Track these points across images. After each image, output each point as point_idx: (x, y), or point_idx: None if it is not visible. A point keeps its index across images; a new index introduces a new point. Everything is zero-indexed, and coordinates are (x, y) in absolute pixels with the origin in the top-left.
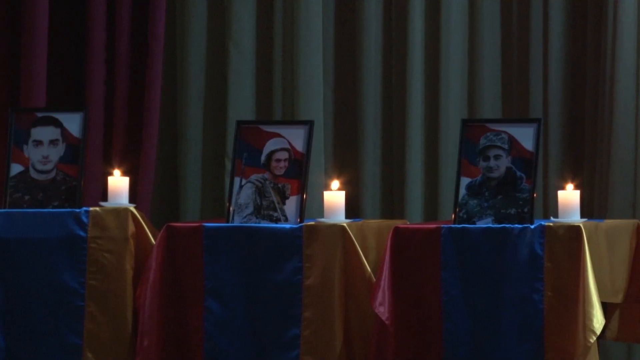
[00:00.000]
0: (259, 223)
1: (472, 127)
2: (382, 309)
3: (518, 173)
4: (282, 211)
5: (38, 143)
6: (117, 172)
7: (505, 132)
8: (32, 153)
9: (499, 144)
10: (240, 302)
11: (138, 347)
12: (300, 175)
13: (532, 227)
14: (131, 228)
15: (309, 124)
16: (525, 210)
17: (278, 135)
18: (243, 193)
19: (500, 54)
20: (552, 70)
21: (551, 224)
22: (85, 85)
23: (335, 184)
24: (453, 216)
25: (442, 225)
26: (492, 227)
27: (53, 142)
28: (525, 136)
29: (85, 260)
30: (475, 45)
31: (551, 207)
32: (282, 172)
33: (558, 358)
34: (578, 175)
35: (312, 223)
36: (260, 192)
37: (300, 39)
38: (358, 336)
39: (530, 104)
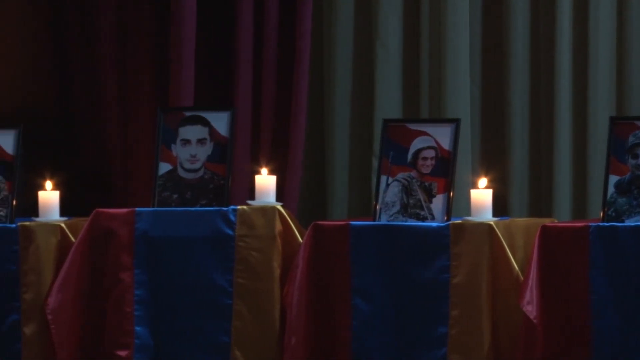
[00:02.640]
0: (405, 221)
1: (620, 124)
2: (530, 308)
3: None
4: (429, 209)
5: (186, 142)
6: (264, 170)
7: None
8: (180, 152)
9: None
10: (386, 300)
11: (285, 345)
12: (446, 174)
13: None
14: (278, 226)
15: (456, 122)
16: None
17: (425, 133)
18: (390, 191)
19: None
20: None
21: None
22: (233, 84)
23: (482, 182)
24: (601, 214)
25: (591, 224)
26: None
27: (201, 141)
28: None
29: (233, 259)
30: (623, 39)
31: None
32: (428, 170)
33: None
34: None
35: (459, 221)
36: (407, 190)
37: (447, 36)
38: (505, 335)
39: None
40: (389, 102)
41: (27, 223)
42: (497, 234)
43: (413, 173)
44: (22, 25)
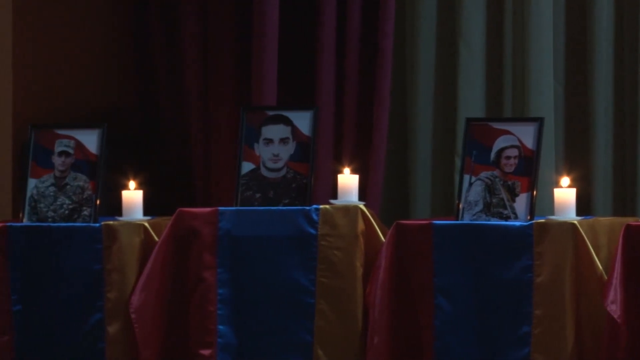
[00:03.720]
0: (488, 221)
1: None
2: (614, 307)
3: None
4: (512, 208)
5: (269, 141)
6: (347, 169)
7: None
8: (263, 151)
9: None
10: (469, 299)
11: (368, 345)
12: (530, 173)
13: None
14: (361, 226)
15: (539, 120)
16: None
17: (508, 132)
18: (472, 190)
19: None
20: None
21: None
22: (315, 84)
23: (565, 180)
24: None
25: None
26: None
27: (283, 140)
28: None
29: (315, 258)
30: None
31: None
32: (512, 169)
33: None
34: None
35: (543, 220)
36: (490, 189)
37: (530, 34)
38: (589, 334)
39: None
40: (472, 101)
41: (111, 222)
42: (580, 233)
43: (496, 172)
44: (105, 26)
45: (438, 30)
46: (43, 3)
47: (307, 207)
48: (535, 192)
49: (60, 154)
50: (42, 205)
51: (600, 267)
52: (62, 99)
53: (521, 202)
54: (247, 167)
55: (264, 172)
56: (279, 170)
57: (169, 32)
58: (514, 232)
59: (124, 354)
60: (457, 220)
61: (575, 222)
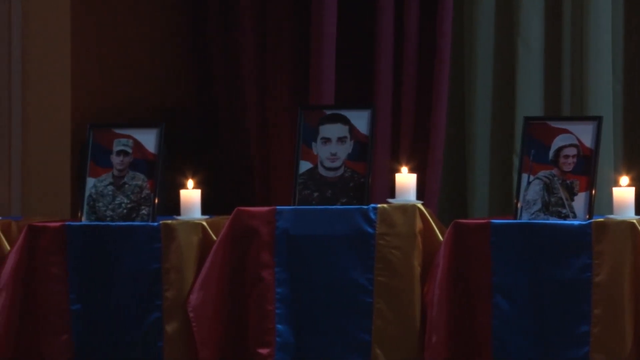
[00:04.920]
0: (547, 220)
1: None
2: None
3: None
4: (571, 207)
5: (326, 140)
6: (404, 168)
7: None
8: (321, 150)
9: None
10: (527, 298)
11: (426, 344)
12: (588, 171)
13: None
14: (419, 225)
15: (598, 119)
16: None
17: (566, 131)
18: (531, 189)
19: None
20: None
21: None
22: (373, 83)
23: (624, 179)
24: None
25: None
26: None
27: (341, 140)
28: None
29: (373, 257)
30: None
31: None
32: (570, 168)
33: None
34: None
35: (601, 220)
36: (548, 188)
37: (589, 32)
38: None
39: None
40: (530, 100)
41: (169, 221)
42: (639, 232)
43: (554, 171)
44: (163, 26)
45: (496, 29)
46: (101, 3)
47: (365, 206)
48: (594, 191)
49: (119, 153)
50: (100, 204)
51: None
52: (120, 98)
53: (580, 201)
54: (304, 166)
55: (321, 171)
56: (336, 169)
57: (227, 31)
58: (572, 231)
59: (182, 353)
60: (516, 219)
61: (635, 221)
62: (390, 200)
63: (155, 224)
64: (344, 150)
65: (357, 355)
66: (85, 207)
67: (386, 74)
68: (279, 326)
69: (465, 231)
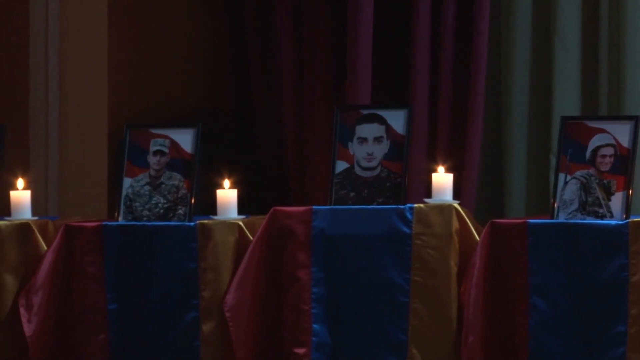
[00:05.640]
0: (584, 219)
1: None
2: None
3: None
4: (608, 207)
5: (363, 140)
6: (441, 168)
7: None
8: (357, 150)
9: None
10: (563, 298)
11: (463, 344)
12: (625, 171)
13: None
14: (455, 224)
15: (635, 119)
16: None
17: (603, 130)
18: (568, 189)
19: None
20: None
21: None
22: (409, 82)
23: None
24: None
25: None
26: None
27: (378, 139)
28: None
29: (409, 257)
30: None
31: None
32: (607, 168)
33: None
34: None
35: (639, 219)
36: (585, 188)
37: (626, 31)
38: None
39: None
40: (567, 99)
41: (206, 221)
42: None
43: (591, 171)
44: (200, 27)
45: (533, 28)
46: (138, 4)
47: (402, 206)
48: (631, 191)
49: (155, 153)
50: (137, 204)
51: None
52: (157, 98)
53: (617, 201)
54: (341, 165)
55: (358, 171)
56: (373, 169)
57: (263, 32)
58: (609, 231)
59: (218, 352)
60: (553, 219)
61: None
62: (426, 200)
63: (192, 223)
64: (380, 150)
65: (393, 355)
66: (122, 207)
67: (423, 73)
68: (315, 326)
69: (502, 231)
